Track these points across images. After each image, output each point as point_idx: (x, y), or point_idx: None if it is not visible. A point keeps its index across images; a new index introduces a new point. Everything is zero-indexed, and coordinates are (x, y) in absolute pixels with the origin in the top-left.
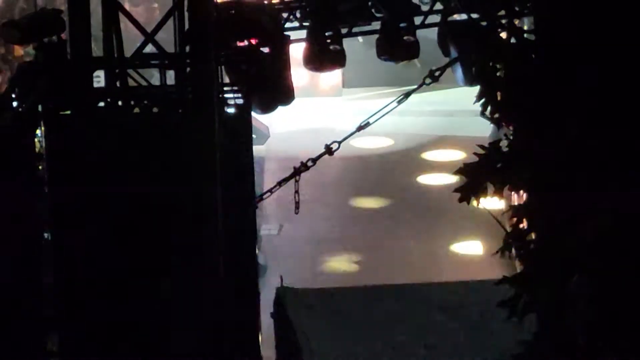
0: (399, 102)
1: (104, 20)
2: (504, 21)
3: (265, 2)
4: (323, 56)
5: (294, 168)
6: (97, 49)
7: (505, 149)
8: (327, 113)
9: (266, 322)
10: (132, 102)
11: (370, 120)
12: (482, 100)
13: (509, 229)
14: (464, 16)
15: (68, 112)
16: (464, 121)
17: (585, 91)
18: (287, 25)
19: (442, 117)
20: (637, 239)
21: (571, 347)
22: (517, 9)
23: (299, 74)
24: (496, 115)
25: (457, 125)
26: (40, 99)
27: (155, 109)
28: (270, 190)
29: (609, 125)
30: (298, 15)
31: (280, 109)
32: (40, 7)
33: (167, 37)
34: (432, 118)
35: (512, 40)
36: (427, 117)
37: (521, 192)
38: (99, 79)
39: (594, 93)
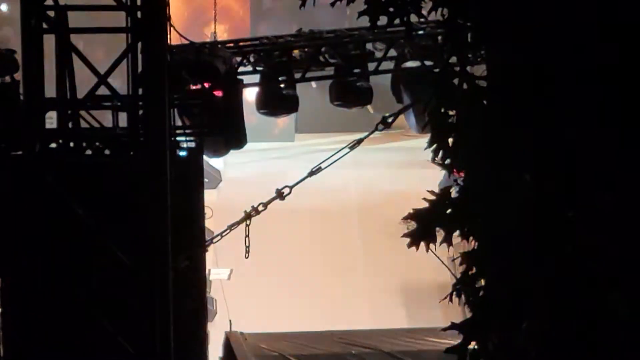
0: (351, 148)
1: (58, 62)
2: (456, 68)
3: (219, 46)
4: (276, 101)
5: (245, 212)
6: (50, 90)
7: (455, 196)
8: (279, 158)
9: None
10: (84, 144)
11: (322, 166)
12: (434, 146)
13: (458, 276)
14: (417, 63)
15: (19, 152)
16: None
17: (538, 136)
18: (241, 69)
19: (399, 169)
20: (588, 285)
21: None
22: (469, 56)
23: (252, 118)
24: (447, 162)
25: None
26: None
27: (106, 151)
28: (221, 234)
29: (562, 171)
30: (252, 59)
31: (232, 152)
32: None
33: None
34: (389, 170)
35: (464, 86)
36: (383, 169)
37: (471, 238)
38: (52, 120)
39: (547, 138)
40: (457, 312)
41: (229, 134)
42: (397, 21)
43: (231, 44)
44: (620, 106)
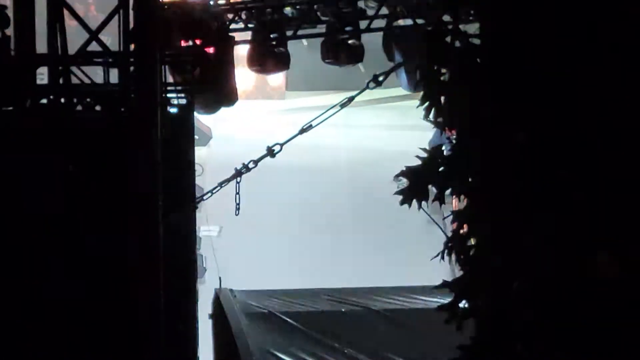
0: (342, 106)
1: (49, 17)
2: (449, 26)
3: (211, 2)
4: (267, 58)
5: (235, 169)
6: (41, 46)
7: (447, 153)
8: (270, 115)
9: (204, 322)
10: (75, 100)
11: (313, 124)
12: (426, 104)
13: (449, 234)
14: (409, 21)
15: (10, 108)
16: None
17: (532, 95)
18: (232, 26)
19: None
20: (578, 244)
21: (509, 352)
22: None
23: (243, 76)
24: (439, 120)
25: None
26: None
27: (97, 107)
28: (211, 191)
29: (555, 130)
30: (243, 16)
31: (223, 110)
32: None
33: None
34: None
35: (457, 44)
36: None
37: (462, 196)
38: (43, 76)
39: (541, 97)
40: (447, 271)
41: (220, 91)
42: None
43: (223, 1)
44: (614, 65)
